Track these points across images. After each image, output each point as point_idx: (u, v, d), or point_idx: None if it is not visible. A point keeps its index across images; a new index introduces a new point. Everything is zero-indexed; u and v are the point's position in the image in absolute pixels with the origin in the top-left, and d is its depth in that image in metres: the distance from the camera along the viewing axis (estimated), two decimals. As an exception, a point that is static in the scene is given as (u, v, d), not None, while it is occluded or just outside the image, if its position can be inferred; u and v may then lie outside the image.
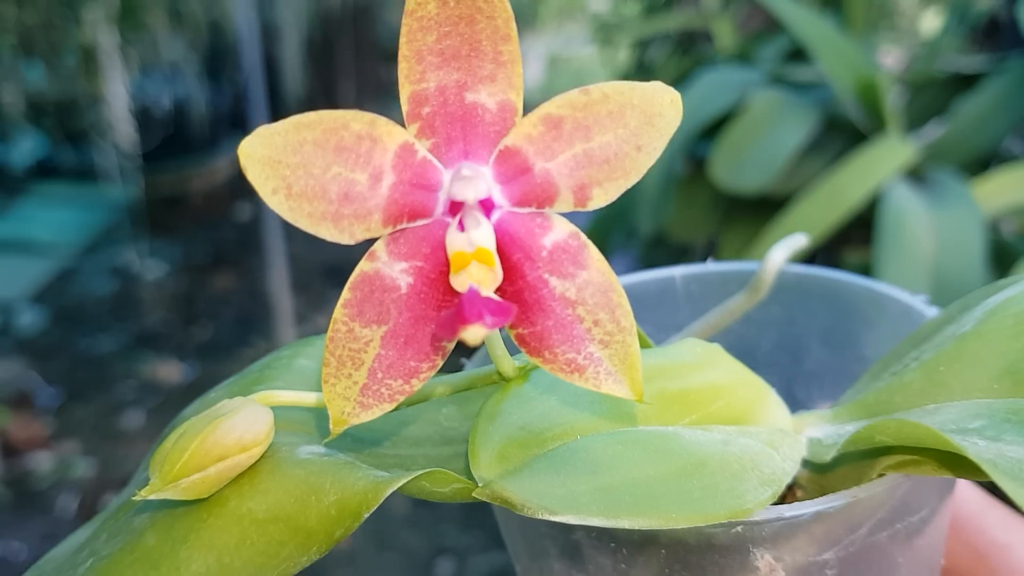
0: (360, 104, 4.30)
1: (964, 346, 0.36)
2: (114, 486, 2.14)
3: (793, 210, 1.23)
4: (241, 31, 2.61)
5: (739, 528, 0.32)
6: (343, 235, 0.29)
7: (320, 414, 0.34)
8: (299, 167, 0.28)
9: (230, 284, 3.22)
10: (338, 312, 0.30)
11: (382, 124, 0.29)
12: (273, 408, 0.33)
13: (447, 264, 0.29)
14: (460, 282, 0.29)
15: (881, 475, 0.34)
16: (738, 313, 0.48)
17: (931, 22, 2.78)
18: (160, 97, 3.82)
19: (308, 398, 0.34)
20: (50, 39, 3.31)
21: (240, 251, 3.45)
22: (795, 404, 0.49)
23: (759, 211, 1.37)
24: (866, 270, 1.21)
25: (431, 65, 0.29)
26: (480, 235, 0.29)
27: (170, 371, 2.64)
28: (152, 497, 0.30)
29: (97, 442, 2.31)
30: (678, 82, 1.81)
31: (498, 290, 0.29)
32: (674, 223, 1.52)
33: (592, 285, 0.30)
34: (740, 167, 1.35)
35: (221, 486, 0.31)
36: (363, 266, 0.30)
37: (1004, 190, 1.25)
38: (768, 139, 1.36)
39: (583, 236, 0.31)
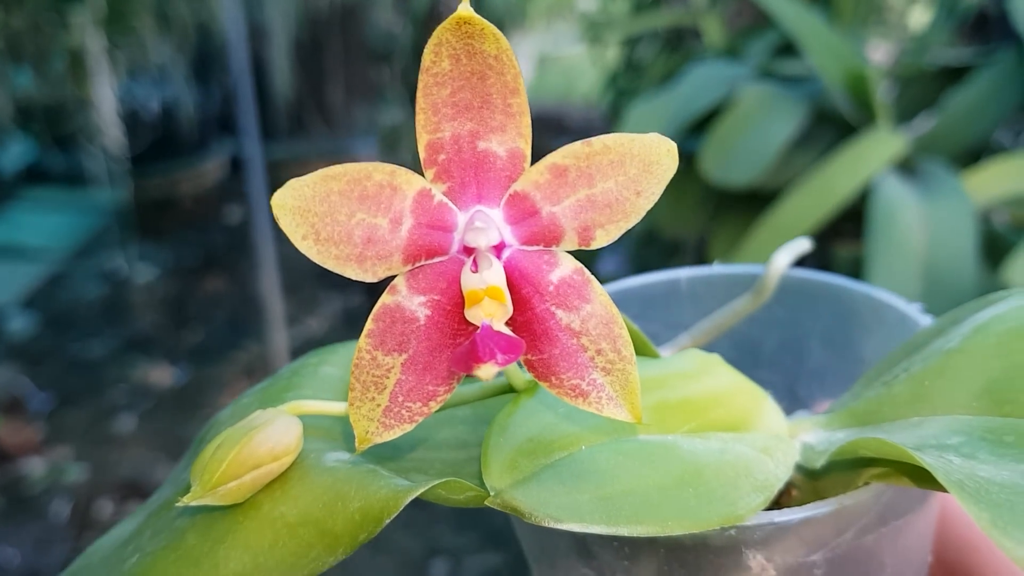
0: (349, 104, 4.28)
1: (949, 362, 0.38)
2: (107, 491, 2.13)
3: (783, 204, 1.24)
4: (229, 33, 2.60)
5: (732, 531, 0.34)
6: (367, 274, 0.32)
7: (345, 421, 0.36)
8: (326, 215, 0.31)
9: (220, 287, 3.22)
10: (362, 341, 0.32)
11: (401, 173, 0.31)
12: (301, 416, 0.35)
13: (462, 297, 0.32)
14: (474, 315, 0.31)
15: (867, 483, 0.36)
16: (743, 314, 0.50)
17: (920, 16, 2.78)
18: (148, 100, 3.81)
19: (334, 407, 0.36)
20: (38, 43, 3.30)
21: (230, 254, 3.44)
22: (797, 402, 0.52)
23: (749, 205, 1.37)
24: (857, 264, 1.21)
25: (446, 116, 0.31)
26: (492, 275, 0.32)
27: (161, 375, 2.63)
28: (193, 503, 0.33)
29: (89, 447, 2.30)
30: (667, 79, 1.81)
31: (508, 321, 0.32)
32: (664, 219, 1.52)
33: (595, 317, 0.33)
34: (729, 161, 1.35)
35: (255, 492, 0.34)
36: (385, 299, 0.33)
37: (995, 181, 1.25)
38: (757, 133, 1.36)
39: (587, 272, 0.33)
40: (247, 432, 0.34)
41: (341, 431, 0.38)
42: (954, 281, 1.11)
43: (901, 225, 1.16)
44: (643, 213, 0.32)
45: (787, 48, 1.61)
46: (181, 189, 3.89)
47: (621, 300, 0.53)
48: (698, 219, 1.49)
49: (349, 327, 2.86)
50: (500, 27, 0.31)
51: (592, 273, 0.34)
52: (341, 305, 2.99)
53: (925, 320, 0.47)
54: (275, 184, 0.32)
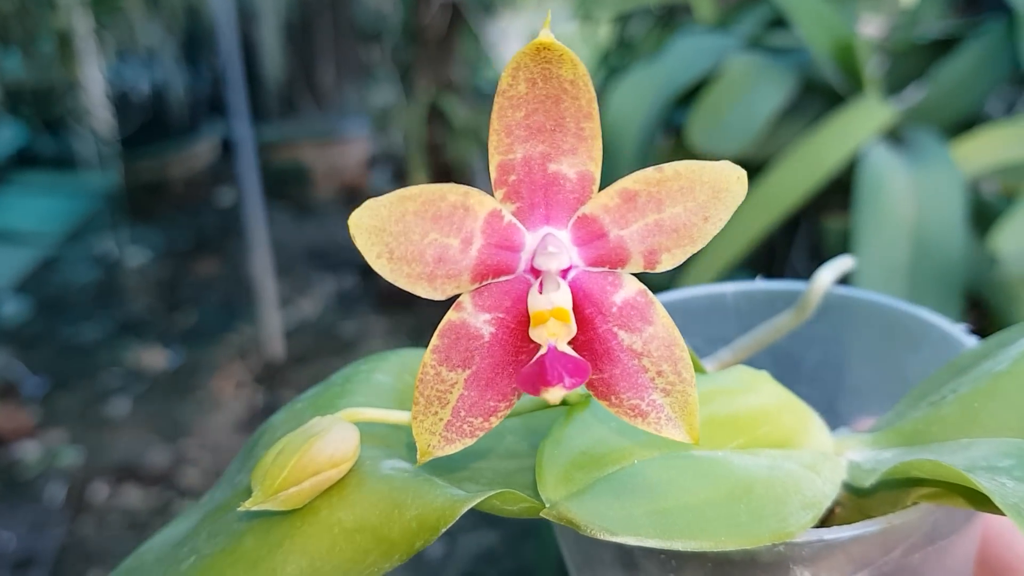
0: (340, 85, 4.25)
1: (998, 385, 0.38)
2: (101, 474, 2.13)
3: (771, 174, 1.23)
4: (218, 14, 2.59)
5: (781, 548, 0.34)
6: (436, 292, 0.32)
7: (401, 430, 0.37)
8: (401, 235, 0.31)
9: (213, 269, 3.21)
10: (427, 357, 0.33)
11: (475, 194, 0.32)
12: (357, 423, 0.36)
13: (527, 316, 0.32)
14: (538, 335, 0.32)
15: (915, 503, 0.36)
16: (785, 330, 0.50)
17: (911, -9, 2.77)
18: (138, 82, 3.80)
19: (390, 415, 0.37)
20: (25, 26, 3.28)
21: (222, 236, 3.44)
22: (837, 418, 0.51)
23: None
24: (847, 236, 1.21)
25: (518, 138, 0.32)
26: (559, 297, 0.32)
27: (155, 357, 2.63)
28: (255, 508, 0.33)
29: (83, 430, 2.30)
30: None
31: (571, 340, 0.32)
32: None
33: (657, 339, 0.33)
34: (717, 132, 1.34)
35: (314, 497, 0.34)
36: (451, 316, 0.33)
37: (984, 150, 1.24)
38: (745, 103, 1.35)
39: (650, 294, 0.33)
40: (307, 439, 0.34)
41: (397, 439, 0.39)
42: (942, 250, 1.11)
43: (889, 194, 1.15)
44: (710, 238, 0.33)
45: (777, 23, 1.60)
46: (172, 171, 3.88)
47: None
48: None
49: (342, 308, 2.86)
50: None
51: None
52: (334, 286, 2.99)
53: (970, 341, 0.47)
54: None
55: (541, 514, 0.32)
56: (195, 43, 3.83)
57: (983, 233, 1.15)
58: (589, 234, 0.32)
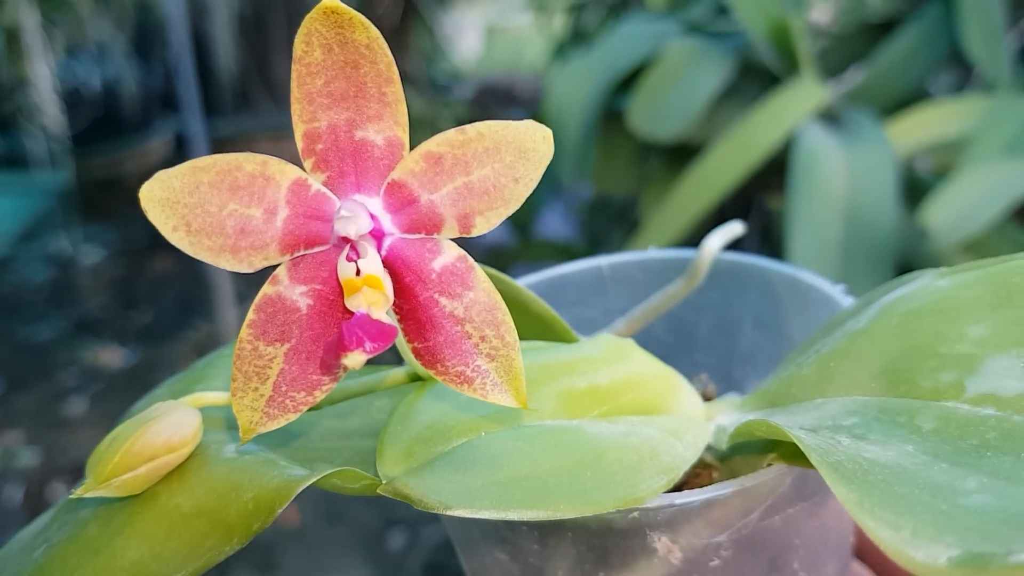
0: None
1: (853, 343, 0.38)
2: (59, 474, 2.11)
3: (710, 155, 1.25)
4: (169, 8, 2.57)
5: (635, 514, 0.34)
6: (242, 265, 0.32)
7: None
8: (196, 206, 0.30)
9: (169, 267, 3.19)
10: (244, 332, 0.32)
11: (274, 163, 0.31)
12: (207, 407, 0.36)
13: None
14: (355, 304, 0.31)
15: (770, 464, 0.36)
16: (677, 298, 0.50)
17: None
18: (89, 78, 3.75)
19: None
20: (-28, 23, 3.23)
21: (178, 232, 3.40)
22: (731, 383, 0.53)
23: (678, 158, 1.38)
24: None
25: (321, 106, 0.31)
26: (367, 264, 0.32)
27: (112, 356, 2.61)
28: (87, 495, 0.33)
29: (41, 430, 2.28)
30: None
31: (394, 308, 0.32)
32: (599, 177, 1.52)
33: (478, 304, 0.33)
34: (657, 115, 1.36)
35: (153, 483, 0.34)
36: (266, 289, 0.33)
37: (919, 128, 1.27)
38: (684, 86, 1.37)
39: (470, 259, 0.33)
40: (142, 424, 0.34)
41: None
42: (874, 226, 1.13)
43: (822, 172, 1.17)
44: (523, 199, 0.32)
45: (723, 11, 1.61)
46: (126, 168, 3.84)
47: (557, 287, 0.53)
48: (632, 176, 1.49)
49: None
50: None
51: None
52: (292, 281, 2.97)
53: (847, 301, 0.47)
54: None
55: (378, 491, 0.32)
56: (146, 38, 3.79)
57: (917, 209, 1.17)
58: (400, 200, 0.32)
